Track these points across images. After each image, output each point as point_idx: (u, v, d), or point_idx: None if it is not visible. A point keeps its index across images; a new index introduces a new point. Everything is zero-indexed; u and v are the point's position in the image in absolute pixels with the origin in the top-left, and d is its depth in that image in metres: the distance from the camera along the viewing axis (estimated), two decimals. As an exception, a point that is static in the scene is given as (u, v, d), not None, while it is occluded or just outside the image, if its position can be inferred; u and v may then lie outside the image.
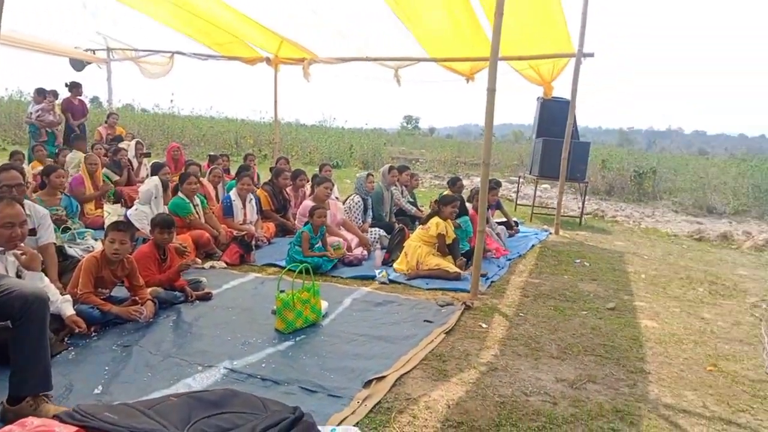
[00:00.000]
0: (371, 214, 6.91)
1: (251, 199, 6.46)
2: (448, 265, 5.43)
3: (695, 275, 6.24)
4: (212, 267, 5.31)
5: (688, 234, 9.44)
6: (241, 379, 3.02)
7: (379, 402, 2.83)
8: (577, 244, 7.80)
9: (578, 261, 6.55)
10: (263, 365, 3.22)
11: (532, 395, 3.03)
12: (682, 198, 14.31)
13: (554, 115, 9.80)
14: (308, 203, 6.12)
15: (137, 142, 8.97)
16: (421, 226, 5.78)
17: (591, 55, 7.84)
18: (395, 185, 7.61)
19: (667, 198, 14.80)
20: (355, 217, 6.66)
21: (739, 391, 3.31)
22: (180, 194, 5.70)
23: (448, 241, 5.58)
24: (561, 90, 9.28)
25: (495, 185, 7.58)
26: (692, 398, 3.17)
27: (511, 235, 7.63)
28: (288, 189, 7.38)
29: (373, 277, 5.22)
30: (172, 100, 34.66)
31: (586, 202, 11.23)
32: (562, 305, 4.75)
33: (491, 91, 4.52)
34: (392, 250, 5.93)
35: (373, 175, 6.95)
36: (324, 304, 4.11)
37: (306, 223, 5.54)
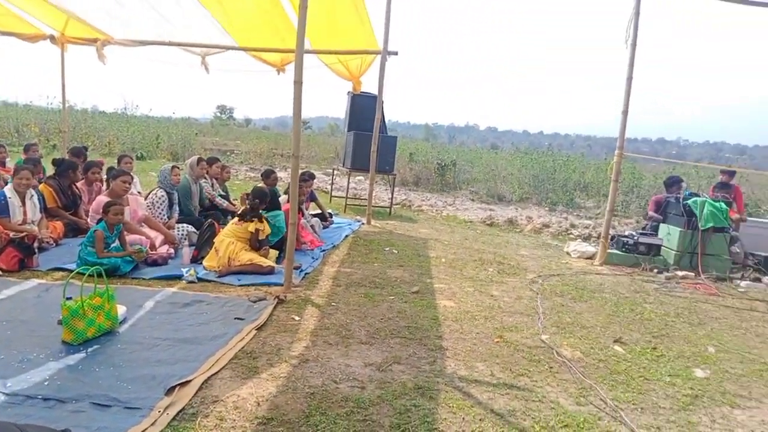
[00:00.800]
0: (177, 209, 6.50)
1: (32, 195, 5.65)
2: (262, 259, 5.34)
3: (486, 257, 6.97)
4: (-19, 276, 4.55)
5: (482, 220, 10.51)
6: (17, 403, 2.63)
7: (184, 408, 2.68)
8: (387, 232, 8.22)
9: (388, 249, 6.90)
10: (46, 383, 2.84)
11: (341, 382, 3.12)
12: (478, 188, 15.90)
13: (364, 109, 10.17)
14: (102, 199, 5.54)
15: None
16: (235, 221, 5.58)
17: (395, 53, 8.28)
18: (205, 178, 7.26)
19: (466, 188, 16.32)
20: (160, 213, 6.20)
21: (519, 358, 3.76)
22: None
23: (262, 236, 5.49)
24: (370, 85, 9.70)
25: (309, 177, 7.64)
26: (482, 368, 3.53)
27: (325, 227, 7.77)
28: (79, 183, 6.61)
29: (179, 277, 4.92)
30: (-74, 79, 28.59)
31: (396, 193, 11.88)
32: (372, 292, 4.96)
33: (298, 83, 4.51)
34: (201, 246, 5.66)
35: (179, 168, 6.53)
36: (121, 309, 3.77)
37: (99, 221, 5.02)
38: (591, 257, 7.50)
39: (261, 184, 6.97)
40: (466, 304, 4.90)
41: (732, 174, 8.65)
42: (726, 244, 7.26)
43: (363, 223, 8.72)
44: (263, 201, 5.64)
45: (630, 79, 6.86)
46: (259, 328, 3.82)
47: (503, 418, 2.89)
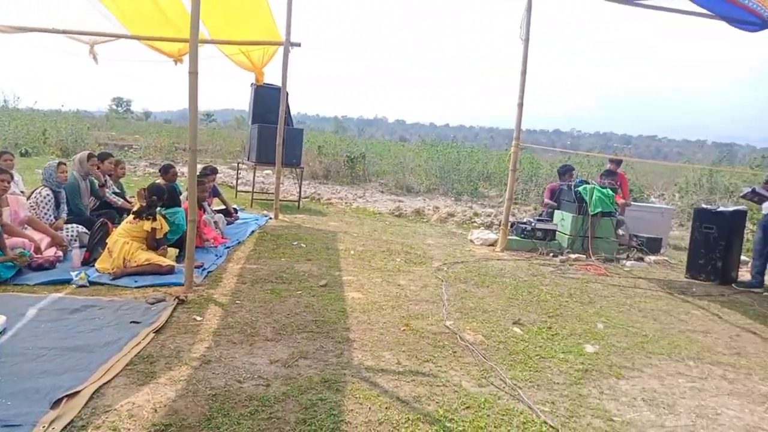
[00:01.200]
0: (66, 208, 6.06)
1: None
2: (161, 258, 5.11)
3: (394, 247, 7.08)
4: None
5: (390, 211, 10.65)
6: None
7: (72, 421, 2.50)
8: (296, 227, 8.12)
9: (296, 243, 6.83)
10: None
11: (245, 381, 3.04)
12: (387, 180, 16.07)
13: (268, 101, 9.96)
14: (-24, 200, 5.05)
15: None
16: (129, 219, 5.28)
17: (298, 44, 8.17)
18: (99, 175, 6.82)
19: (375, 180, 16.46)
20: (45, 213, 5.74)
21: (424, 345, 3.85)
22: None
23: (160, 235, 5.25)
24: (276, 77, 9.51)
25: (210, 171, 7.41)
26: (389, 357, 3.58)
27: (230, 223, 7.56)
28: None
29: (69, 281, 4.59)
30: None
31: (305, 186, 11.76)
32: (279, 287, 4.89)
33: (193, 74, 4.34)
34: (93, 247, 5.31)
35: (65, 164, 6.08)
36: (0, 319, 3.46)
37: (-27, 224, 4.57)
38: (493, 244, 7.82)
39: (160, 180, 6.67)
40: (374, 294, 4.94)
41: (618, 162, 9.33)
42: (613, 227, 7.83)
43: (270, 218, 8.56)
44: (160, 198, 5.41)
45: (524, 73, 7.20)
46: (158, 331, 3.64)
47: (408, 404, 2.95)
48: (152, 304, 4.14)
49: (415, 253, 6.89)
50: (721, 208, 7.11)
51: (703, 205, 7.78)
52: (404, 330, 4.10)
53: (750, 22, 6.30)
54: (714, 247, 6.76)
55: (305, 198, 11.47)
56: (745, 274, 6.95)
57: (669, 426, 2.99)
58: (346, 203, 11.57)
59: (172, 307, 4.08)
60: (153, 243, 5.18)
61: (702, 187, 14.18)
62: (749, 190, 6.48)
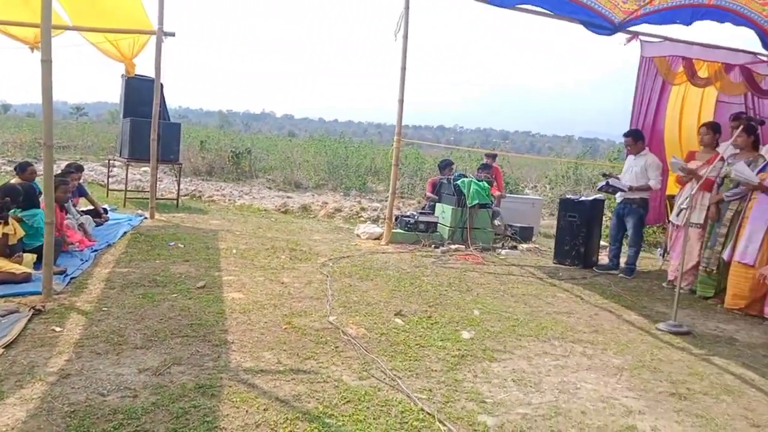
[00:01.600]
0: None
1: None
2: (14, 266, 4.63)
3: (279, 245, 6.96)
4: None
5: (277, 208, 10.47)
6: None
7: None
8: (173, 226, 7.73)
9: (172, 243, 6.49)
10: None
11: (110, 394, 2.84)
12: (275, 176, 15.78)
13: (142, 94, 9.37)
14: None
15: None
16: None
17: (172, 34, 7.75)
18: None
19: (263, 176, 16.09)
20: None
21: (307, 342, 3.82)
22: None
23: (13, 241, 4.75)
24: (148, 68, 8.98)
25: (75, 170, 6.88)
26: (269, 357, 3.50)
27: (99, 224, 7.03)
28: None
29: None
30: None
31: (187, 184, 11.22)
32: (152, 291, 4.62)
33: (46, 63, 3.96)
34: (-69, 256, 4.70)
35: None
36: None
37: None
38: (378, 238, 7.95)
39: (16, 180, 6.10)
40: (256, 294, 4.82)
41: (494, 157, 9.87)
42: (489, 218, 8.26)
43: (145, 218, 8.08)
44: (14, 199, 4.92)
45: (404, 69, 7.35)
46: (8, 346, 3.29)
47: (288, 404, 2.91)
48: (3, 316, 3.73)
49: (301, 249, 6.82)
50: (583, 198, 7.75)
51: (568, 196, 8.43)
52: (286, 328, 4.04)
53: (603, 26, 6.87)
54: (577, 234, 7.35)
55: (185, 196, 10.95)
56: (603, 258, 7.63)
57: (535, 403, 3.20)
58: (229, 200, 11.20)
59: (26, 319, 3.71)
60: (5, 249, 4.68)
61: (569, 179, 15.40)
62: (604, 183, 7.09)
